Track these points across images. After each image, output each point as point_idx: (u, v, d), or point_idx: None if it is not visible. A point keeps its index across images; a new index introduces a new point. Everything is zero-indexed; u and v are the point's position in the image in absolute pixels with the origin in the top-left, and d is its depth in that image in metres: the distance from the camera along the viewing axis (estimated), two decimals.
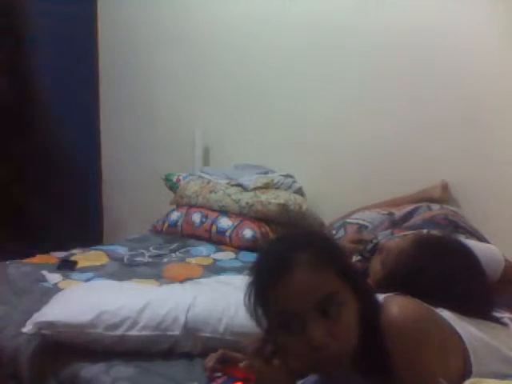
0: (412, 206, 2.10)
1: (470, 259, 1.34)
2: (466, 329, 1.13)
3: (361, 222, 2.18)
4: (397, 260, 1.39)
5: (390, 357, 0.98)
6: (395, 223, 2.06)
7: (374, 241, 1.71)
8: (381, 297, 1.09)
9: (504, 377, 1.09)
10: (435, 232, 1.85)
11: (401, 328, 0.98)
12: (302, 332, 0.97)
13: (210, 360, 1.29)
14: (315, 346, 0.96)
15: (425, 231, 1.78)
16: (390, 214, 2.16)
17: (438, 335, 1.05)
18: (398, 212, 2.12)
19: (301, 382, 1.16)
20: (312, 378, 1.14)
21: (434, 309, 1.11)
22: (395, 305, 1.02)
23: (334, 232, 2.18)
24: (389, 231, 2.00)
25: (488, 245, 1.76)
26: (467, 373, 1.08)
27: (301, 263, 0.98)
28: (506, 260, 1.66)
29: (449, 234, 1.68)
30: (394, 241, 1.56)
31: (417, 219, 2.02)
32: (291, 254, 1.00)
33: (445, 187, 2.28)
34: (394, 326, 0.99)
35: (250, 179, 2.64)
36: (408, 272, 1.30)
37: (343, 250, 1.15)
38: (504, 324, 1.26)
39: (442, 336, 1.07)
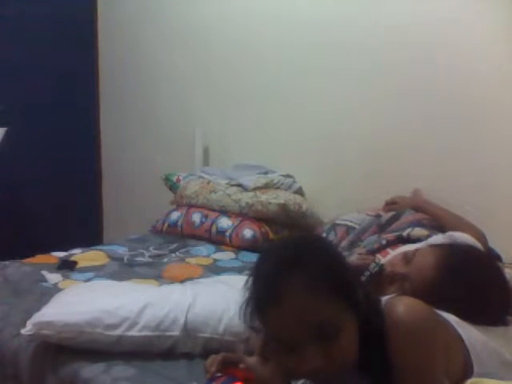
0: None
1: (494, 274, 1.34)
2: (468, 331, 1.13)
3: (349, 223, 2.19)
4: (420, 281, 1.32)
5: (393, 356, 0.98)
6: (382, 226, 2.07)
7: (377, 261, 1.53)
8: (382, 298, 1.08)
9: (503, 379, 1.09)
10: (421, 230, 1.86)
11: (408, 327, 0.97)
12: (297, 353, 0.95)
13: (212, 364, 1.27)
14: (311, 369, 0.94)
15: (436, 240, 1.68)
16: (378, 215, 2.17)
17: (442, 335, 1.04)
18: (385, 215, 2.13)
19: (300, 382, 1.16)
20: None
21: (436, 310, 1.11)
22: (401, 304, 1.00)
23: (324, 235, 2.17)
24: (376, 236, 2.02)
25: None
26: (468, 374, 1.08)
27: (290, 291, 0.93)
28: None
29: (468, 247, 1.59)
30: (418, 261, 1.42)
31: (403, 222, 2.02)
32: (282, 279, 0.94)
33: (417, 193, 2.25)
34: (401, 325, 0.97)
35: (250, 179, 2.63)
36: (432, 292, 1.25)
37: (343, 261, 1.04)
38: (506, 324, 1.26)
39: (446, 336, 1.06)
